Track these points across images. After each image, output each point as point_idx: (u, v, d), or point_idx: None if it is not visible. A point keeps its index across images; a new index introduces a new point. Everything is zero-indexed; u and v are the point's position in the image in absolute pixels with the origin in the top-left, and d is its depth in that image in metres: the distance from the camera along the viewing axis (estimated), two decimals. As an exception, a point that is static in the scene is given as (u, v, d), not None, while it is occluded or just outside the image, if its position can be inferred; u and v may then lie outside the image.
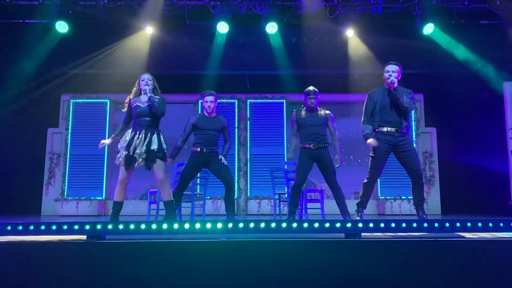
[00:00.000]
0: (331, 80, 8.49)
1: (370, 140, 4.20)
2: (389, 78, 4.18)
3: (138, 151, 4.02)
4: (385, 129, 4.20)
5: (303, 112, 4.77)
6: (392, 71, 4.19)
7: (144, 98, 4.16)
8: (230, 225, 2.84)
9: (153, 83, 4.22)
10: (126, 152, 4.03)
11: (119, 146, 4.13)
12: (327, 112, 4.75)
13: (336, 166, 4.67)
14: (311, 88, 4.72)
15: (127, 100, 4.28)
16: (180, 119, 6.98)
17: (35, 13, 7.19)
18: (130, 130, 4.17)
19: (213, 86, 8.16)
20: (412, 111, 4.34)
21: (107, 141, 4.33)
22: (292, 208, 4.65)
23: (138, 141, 4.04)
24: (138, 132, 4.09)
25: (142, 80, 4.19)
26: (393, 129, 4.18)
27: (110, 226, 2.82)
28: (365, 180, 4.29)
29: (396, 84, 4.14)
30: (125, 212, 4.56)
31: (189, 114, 6.76)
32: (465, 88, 8.04)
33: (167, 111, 4.30)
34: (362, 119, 4.32)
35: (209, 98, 4.72)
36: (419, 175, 4.18)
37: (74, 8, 7.10)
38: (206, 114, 4.76)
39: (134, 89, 4.28)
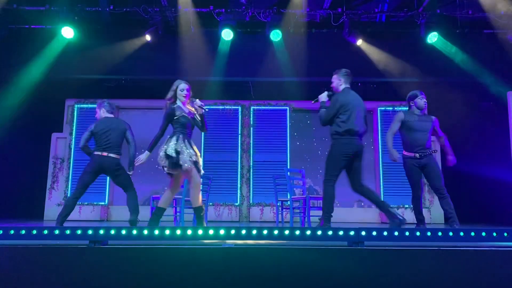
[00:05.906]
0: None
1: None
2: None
3: (186, 155, 4.02)
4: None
5: (412, 115, 4.60)
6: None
7: (186, 109, 4.18)
8: (233, 231, 2.83)
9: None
10: (176, 160, 3.98)
11: (160, 154, 4.04)
12: (433, 117, 4.68)
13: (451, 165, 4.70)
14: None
15: (167, 107, 4.18)
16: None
17: (41, 18, 7.27)
18: (174, 138, 4.08)
19: (217, 92, 8.22)
20: None
21: (143, 156, 4.14)
22: (418, 217, 4.61)
23: (185, 147, 4.05)
24: (183, 139, 4.08)
25: (186, 90, 4.19)
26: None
27: (112, 232, 2.82)
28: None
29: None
30: (127, 217, 4.56)
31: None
32: (468, 97, 8.03)
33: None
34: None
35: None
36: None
37: (80, 14, 7.17)
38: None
39: (170, 95, 4.21)
